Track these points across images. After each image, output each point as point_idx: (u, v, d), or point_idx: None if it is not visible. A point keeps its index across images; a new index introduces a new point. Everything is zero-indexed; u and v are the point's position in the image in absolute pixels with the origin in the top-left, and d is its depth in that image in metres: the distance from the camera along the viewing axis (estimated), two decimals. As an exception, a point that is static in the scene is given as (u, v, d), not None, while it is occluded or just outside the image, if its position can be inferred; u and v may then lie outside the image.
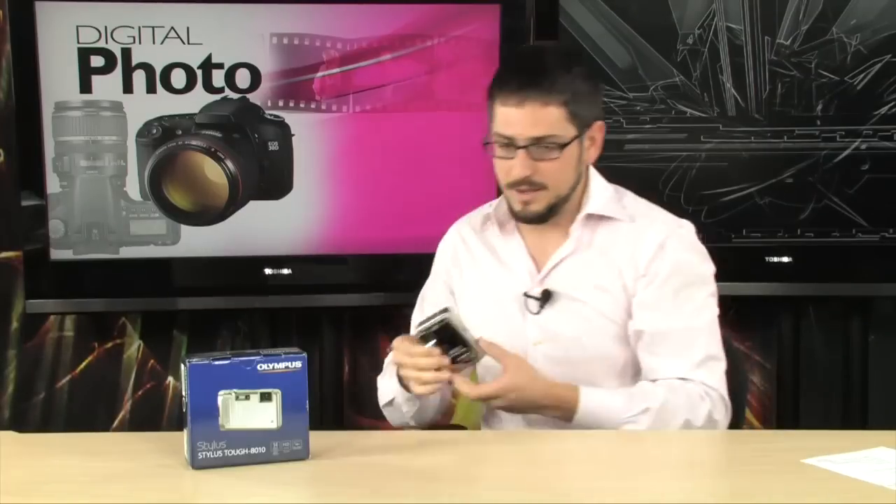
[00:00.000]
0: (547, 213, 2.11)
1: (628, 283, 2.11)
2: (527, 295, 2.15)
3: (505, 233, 2.21)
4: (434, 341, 1.95)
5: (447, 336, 1.95)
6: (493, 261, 2.22)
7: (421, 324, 1.99)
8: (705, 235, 2.73)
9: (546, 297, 2.13)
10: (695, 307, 2.11)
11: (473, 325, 2.01)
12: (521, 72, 2.05)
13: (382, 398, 2.22)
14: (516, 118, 2.02)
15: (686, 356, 2.07)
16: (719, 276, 2.17)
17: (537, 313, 2.13)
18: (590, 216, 2.15)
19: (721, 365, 2.10)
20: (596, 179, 2.18)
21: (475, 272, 2.24)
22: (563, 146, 2.04)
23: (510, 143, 2.04)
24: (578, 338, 2.12)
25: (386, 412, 2.22)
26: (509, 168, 2.06)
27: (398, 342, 2.02)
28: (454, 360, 1.97)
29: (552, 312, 2.13)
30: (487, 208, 2.26)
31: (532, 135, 2.03)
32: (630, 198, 2.21)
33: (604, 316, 2.12)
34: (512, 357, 2.03)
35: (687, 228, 2.18)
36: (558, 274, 2.15)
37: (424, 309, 2.24)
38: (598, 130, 2.13)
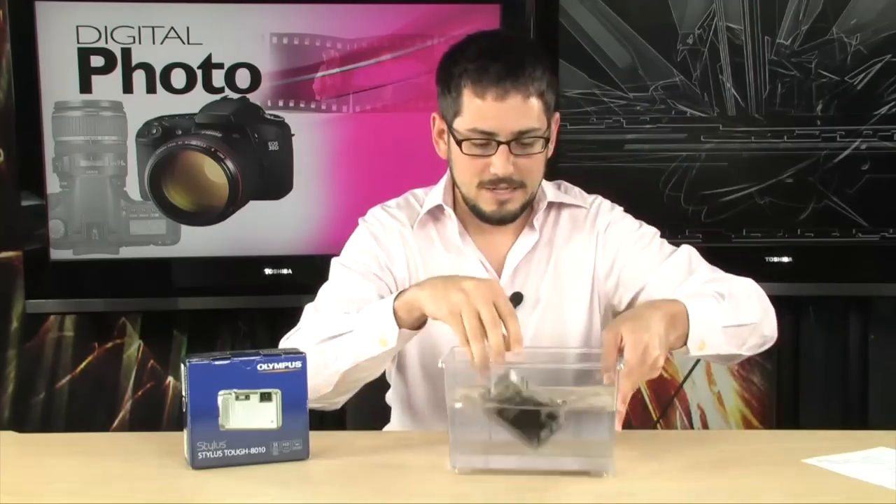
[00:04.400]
0: (520, 213, 1.99)
1: (598, 267, 2.04)
2: None
3: (455, 231, 2.04)
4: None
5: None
6: (448, 261, 2.04)
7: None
8: (705, 235, 2.76)
9: (517, 301, 1.99)
10: (666, 247, 2.05)
11: (439, 332, 1.84)
12: (497, 61, 1.89)
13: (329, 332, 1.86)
14: (497, 112, 1.88)
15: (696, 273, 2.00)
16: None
17: None
18: (550, 204, 2.05)
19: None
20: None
21: (426, 273, 2.01)
22: (546, 140, 1.93)
23: (488, 140, 1.90)
24: (558, 335, 2.03)
25: (318, 349, 1.84)
26: (483, 166, 1.92)
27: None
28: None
29: (523, 316, 1.94)
30: (414, 203, 2.09)
31: (516, 129, 1.89)
32: (576, 189, 2.13)
33: (575, 309, 2.04)
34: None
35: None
36: (522, 272, 2.03)
37: (336, 307, 1.95)
38: (556, 124, 2.01)
